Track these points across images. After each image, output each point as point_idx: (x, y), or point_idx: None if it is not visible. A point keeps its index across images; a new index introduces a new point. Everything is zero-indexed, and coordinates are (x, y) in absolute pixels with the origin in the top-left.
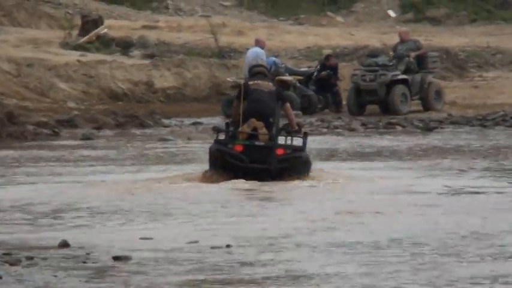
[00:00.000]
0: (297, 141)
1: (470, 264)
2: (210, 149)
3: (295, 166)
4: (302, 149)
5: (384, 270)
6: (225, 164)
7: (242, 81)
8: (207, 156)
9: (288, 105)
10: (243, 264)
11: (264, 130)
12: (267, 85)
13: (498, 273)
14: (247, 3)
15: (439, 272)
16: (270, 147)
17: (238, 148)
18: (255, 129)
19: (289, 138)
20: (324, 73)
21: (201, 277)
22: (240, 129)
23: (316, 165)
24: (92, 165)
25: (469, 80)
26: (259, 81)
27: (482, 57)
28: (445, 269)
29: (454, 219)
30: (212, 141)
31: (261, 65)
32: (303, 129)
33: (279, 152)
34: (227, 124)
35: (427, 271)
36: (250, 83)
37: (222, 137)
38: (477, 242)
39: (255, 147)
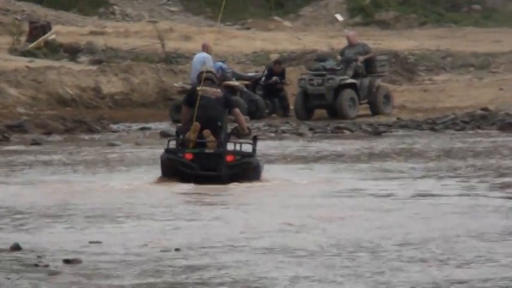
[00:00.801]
0: (247, 147)
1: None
2: (161, 157)
3: (245, 172)
4: (252, 154)
5: (330, 274)
6: (176, 172)
7: (189, 87)
8: (153, 161)
9: (237, 110)
10: (191, 268)
11: (212, 137)
12: (214, 92)
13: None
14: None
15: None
16: (219, 154)
17: (189, 156)
18: (201, 136)
19: (238, 143)
20: (274, 79)
21: (150, 280)
22: (186, 135)
23: (266, 170)
24: (41, 170)
25: (419, 84)
26: (207, 88)
27: (432, 60)
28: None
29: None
30: (160, 146)
31: (209, 71)
32: (252, 134)
33: (229, 158)
34: (177, 132)
35: (368, 277)
36: (198, 88)
37: (172, 145)
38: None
39: (204, 154)
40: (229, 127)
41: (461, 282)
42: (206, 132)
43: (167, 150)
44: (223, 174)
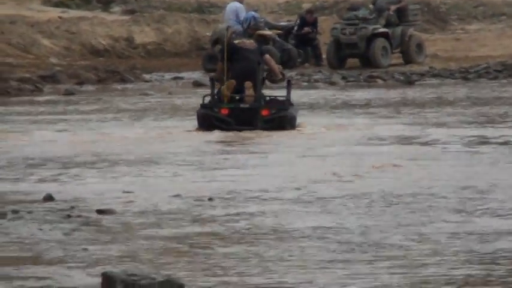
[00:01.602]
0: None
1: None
2: (197, 112)
3: (281, 125)
4: (285, 108)
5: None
6: (213, 127)
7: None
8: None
9: (267, 56)
10: (226, 217)
11: (251, 91)
12: (250, 43)
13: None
14: None
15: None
16: (255, 109)
17: (224, 111)
18: (241, 89)
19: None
20: (306, 29)
21: (185, 230)
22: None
23: (301, 119)
24: (75, 119)
25: (451, 33)
26: (244, 40)
27: (464, 9)
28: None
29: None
30: (193, 96)
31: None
32: (286, 77)
33: (264, 113)
34: (211, 80)
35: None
36: (237, 41)
37: (207, 100)
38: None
39: (240, 109)
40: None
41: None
42: (248, 84)
43: (203, 106)
44: (259, 129)
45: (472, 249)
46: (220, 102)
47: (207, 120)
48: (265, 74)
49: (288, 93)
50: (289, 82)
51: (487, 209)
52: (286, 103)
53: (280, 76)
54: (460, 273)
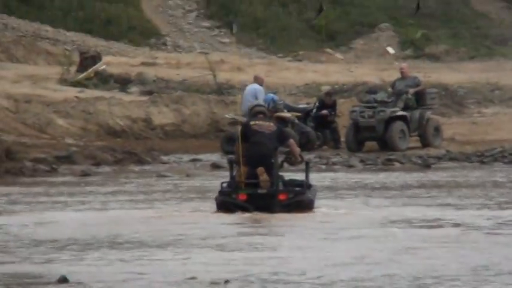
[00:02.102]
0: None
1: None
2: (216, 199)
3: (298, 208)
4: (303, 192)
5: None
6: (232, 212)
7: (241, 118)
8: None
9: (292, 141)
10: None
11: (265, 176)
12: (268, 126)
13: None
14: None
15: None
16: (272, 194)
17: (242, 197)
18: (254, 174)
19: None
20: (324, 112)
21: None
22: (237, 174)
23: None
24: (93, 200)
25: (468, 116)
26: (261, 122)
27: (481, 93)
28: None
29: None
30: (211, 178)
31: (261, 105)
32: (305, 160)
33: (282, 197)
34: (230, 162)
35: None
36: (252, 123)
37: (225, 187)
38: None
39: (258, 195)
40: (280, 158)
41: None
42: (260, 170)
43: (221, 192)
44: (277, 213)
45: None
46: (238, 188)
47: (226, 207)
48: (284, 156)
49: (307, 175)
50: (307, 164)
51: None
52: (305, 184)
53: (300, 159)
54: None
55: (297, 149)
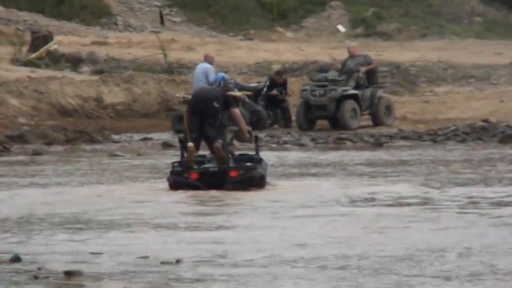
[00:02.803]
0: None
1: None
2: (168, 180)
3: (250, 184)
4: (254, 167)
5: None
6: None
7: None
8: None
9: (236, 111)
10: (194, 280)
11: (221, 153)
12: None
13: None
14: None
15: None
16: (224, 171)
17: (194, 176)
18: (199, 127)
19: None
20: (274, 92)
21: None
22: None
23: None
24: (44, 179)
25: (420, 95)
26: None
27: (433, 71)
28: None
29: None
30: (162, 157)
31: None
32: (254, 134)
33: (233, 174)
34: (180, 140)
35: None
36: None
37: (177, 166)
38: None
39: (209, 173)
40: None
41: None
42: (216, 147)
43: (173, 172)
44: (228, 190)
45: None
46: (189, 167)
47: (178, 186)
48: (233, 134)
49: (257, 150)
50: (256, 138)
51: None
52: (255, 159)
53: (248, 135)
54: None
55: (243, 122)
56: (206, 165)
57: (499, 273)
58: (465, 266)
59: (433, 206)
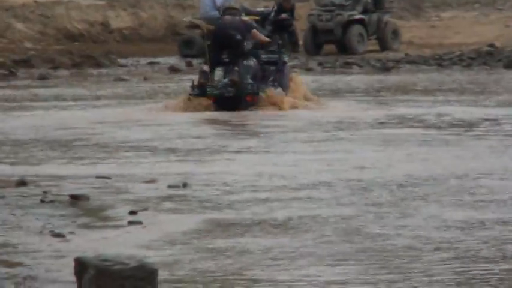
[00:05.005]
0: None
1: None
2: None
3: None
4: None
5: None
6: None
7: (198, 21)
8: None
9: (255, 30)
10: (201, 204)
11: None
12: (233, 18)
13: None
14: None
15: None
16: (239, 97)
17: (211, 100)
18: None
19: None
20: (284, 15)
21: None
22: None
23: None
24: (50, 103)
25: (426, 20)
26: (224, 17)
27: None
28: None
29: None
30: (169, 81)
31: (233, 7)
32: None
33: (249, 99)
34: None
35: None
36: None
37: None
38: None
39: (225, 98)
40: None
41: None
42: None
43: (191, 97)
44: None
45: None
46: (205, 90)
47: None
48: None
49: (280, 54)
50: (279, 44)
51: None
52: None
53: (268, 40)
54: None
55: (262, 35)
56: (221, 90)
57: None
58: None
59: None
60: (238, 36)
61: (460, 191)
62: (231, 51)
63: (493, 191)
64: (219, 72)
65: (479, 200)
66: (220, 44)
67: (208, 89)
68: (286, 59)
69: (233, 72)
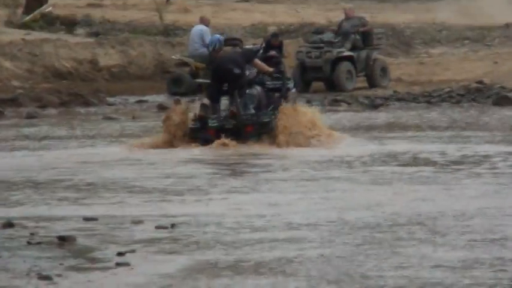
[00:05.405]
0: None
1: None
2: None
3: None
4: (268, 122)
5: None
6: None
7: (187, 59)
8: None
9: (257, 60)
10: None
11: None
12: (231, 50)
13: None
14: None
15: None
16: (239, 128)
17: (211, 132)
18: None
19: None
20: (272, 52)
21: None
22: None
23: None
24: (39, 143)
25: (415, 57)
26: (225, 48)
27: (428, 33)
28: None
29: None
30: (157, 119)
31: (235, 38)
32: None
33: (249, 129)
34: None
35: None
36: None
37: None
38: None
39: (226, 130)
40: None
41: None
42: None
43: (192, 129)
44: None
45: None
46: (205, 124)
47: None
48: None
49: (284, 81)
50: (282, 71)
51: None
52: (283, 88)
53: (270, 69)
54: None
55: (264, 66)
56: (222, 122)
57: None
58: None
59: None
60: (236, 70)
61: (451, 231)
62: (230, 85)
63: (485, 230)
64: (224, 101)
65: (471, 239)
66: (219, 78)
67: (209, 122)
68: (290, 85)
69: (233, 104)
